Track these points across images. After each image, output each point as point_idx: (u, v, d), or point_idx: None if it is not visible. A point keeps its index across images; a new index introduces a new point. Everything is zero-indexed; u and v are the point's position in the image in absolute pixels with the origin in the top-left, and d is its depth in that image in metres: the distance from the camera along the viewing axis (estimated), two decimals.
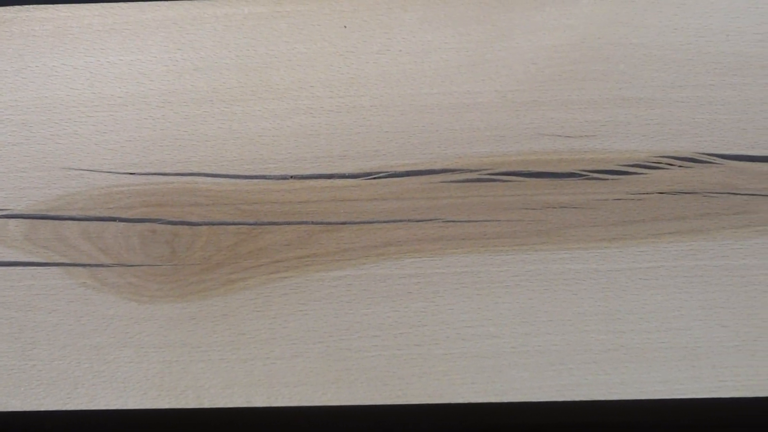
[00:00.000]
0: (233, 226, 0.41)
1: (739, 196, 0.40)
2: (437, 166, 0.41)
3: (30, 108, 0.41)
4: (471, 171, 0.41)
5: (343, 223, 0.41)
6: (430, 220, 0.41)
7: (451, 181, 0.41)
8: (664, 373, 0.40)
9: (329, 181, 0.41)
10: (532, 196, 0.41)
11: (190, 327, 0.40)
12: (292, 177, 0.41)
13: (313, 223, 0.41)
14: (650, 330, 0.40)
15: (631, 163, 0.41)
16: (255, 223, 0.41)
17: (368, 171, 0.41)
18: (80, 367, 0.41)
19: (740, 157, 0.40)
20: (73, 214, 0.41)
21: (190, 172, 0.41)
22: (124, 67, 0.41)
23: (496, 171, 0.41)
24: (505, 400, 0.39)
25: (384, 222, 0.41)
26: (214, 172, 0.41)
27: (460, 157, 0.41)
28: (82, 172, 0.41)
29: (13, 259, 0.41)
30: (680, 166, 0.40)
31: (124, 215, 0.41)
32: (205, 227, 0.41)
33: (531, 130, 0.41)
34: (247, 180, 0.41)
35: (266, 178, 0.41)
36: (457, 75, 0.41)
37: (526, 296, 0.40)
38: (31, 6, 0.42)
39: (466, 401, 0.40)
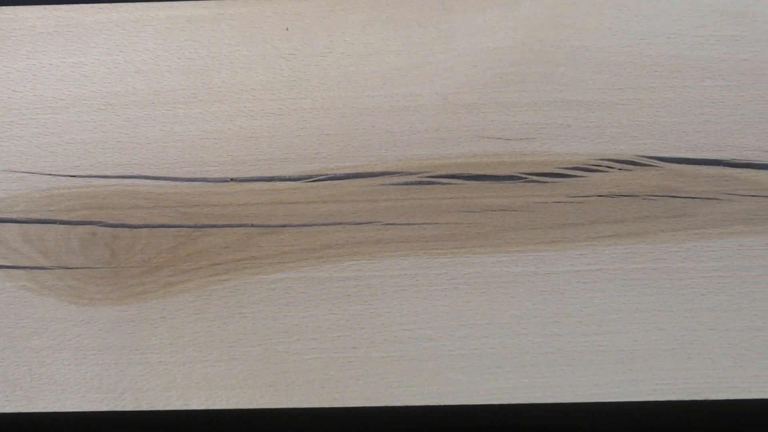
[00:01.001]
0: (173, 229, 0.42)
1: (677, 199, 0.41)
2: (377, 169, 0.42)
3: None
4: (411, 174, 0.42)
5: (283, 226, 0.42)
6: (370, 222, 0.42)
7: (391, 184, 0.42)
8: (601, 376, 0.41)
9: (269, 183, 0.42)
10: (471, 199, 0.42)
11: (128, 329, 0.42)
12: (232, 179, 0.42)
13: (252, 225, 0.42)
14: (588, 333, 0.41)
15: (571, 166, 0.42)
16: (195, 226, 0.42)
17: (308, 174, 0.42)
18: (19, 370, 0.42)
19: (680, 160, 0.41)
20: (14, 216, 0.42)
21: (131, 174, 0.42)
22: (66, 70, 0.42)
23: (436, 174, 0.42)
24: (442, 403, 0.41)
25: (323, 225, 0.42)
26: (154, 175, 0.42)
27: (400, 160, 0.42)
28: (23, 174, 0.42)
29: None
30: (620, 169, 0.41)
31: (64, 218, 0.42)
32: (145, 230, 0.42)
33: (471, 133, 0.42)
34: (187, 182, 0.42)
35: (207, 181, 0.42)
36: (399, 77, 0.42)
37: (463, 299, 0.41)
38: None
39: (402, 404, 0.41)
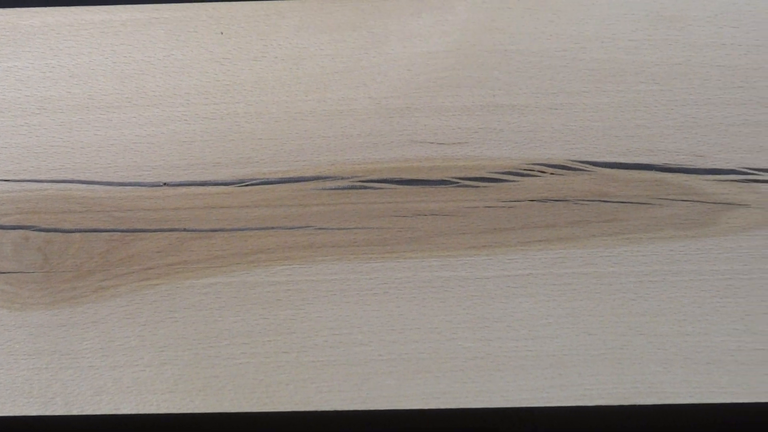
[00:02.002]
0: (106, 233, 0.43)
1: (609, 203, 0.42)
2: (309, 174, 0.43)
3: None
4: (343, 178, 0.43)
5: (215, 231, 0.43)
6: (302, 227, 0.43)
7: (323, 189, 0.43)
8: (530, 381, 0.42)
9: (202, 188, 0.43)
10: (403, 203, 0.43)
11: (60, 334, 0.43)
12: (165, 184, 0.43)
13: (185, 230, 0.43)
14: (517, 338, 0.42)
15: (503, 171, 0.43)
16: (127, 230, 0.43)
17: (241, 178, 0.43)
18: None
19: (611, 165, 0.43)
20: None
21: (65, 179, 0.43)
22: (0, 73, 0.44)
23: (368, 178, 0.43)
24: (372, 408, 0.42)
25: (255, 229, 0.43)
26: (88, 179, 0.43)
27: (333, 164, 0.43)
28: None
29: None
30: (552, 174, 0.43)
31: None
32: (78, 234, 0.43)
33: (404, 137, 0.43)
34: (120, 187, 0.43)
35: (140, 185, 0.43)
36: (332, 81, 0.43)
37: (394, 304, 0.42)
38: None
39: (332, 409, 0.42)
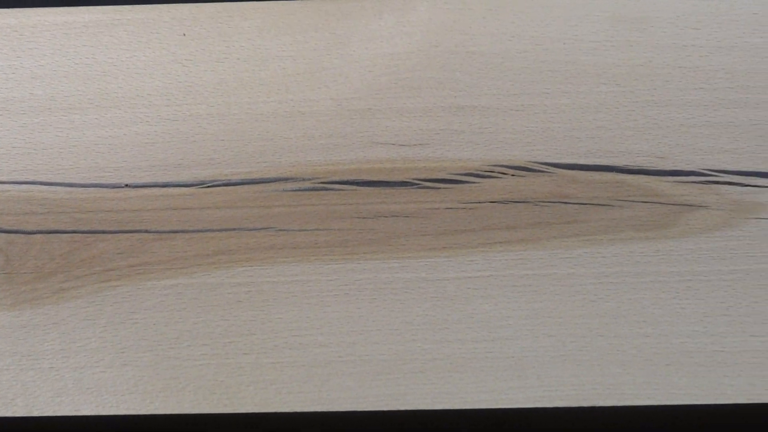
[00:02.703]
0: (67, 235, 0.44)
1: (570, 205, 0.43)
2: (271, 175, 0.44)
3: None
4: (304, 180, 0.44)
5: (176, 232, 0.44)
6: (263, 228, 0.44)
7: (284, 190, 0.44)
8: (489, 383, 0.43)
9: (163, 189, 0.44)
10: (364, 205, 0.44)
11: (21, 335, 0.44)
12: (127, 185, 0.44)
13: (146, 231, 0.44)
14: (477, 339, 0.43)
15: (464, 172, 0.44)
16: (89, 232, 0.44)
17: (203, 179, 0.44)
18: None
19: (572, 166, 0.43)
20: None
21: (26, 180, 0.44)
22: None
23: (329, 180, 0.44)
24: (332, 409, 0.43)
25: (217, 231, 0.44)
26: (50, 181, 0.44)
27: (294, 166, 0.44)
28: None
29: None
30: (513, 175, 0.43)
31: None
32: (39, 235, 0.44)
33: (365, 139, 0.44)
34: (82, 188, 0.44)
35: (102, 187, 0.44)
36: (294, 83, 0.44)
37: (354, 305, 0.43)
38: None
39: (293, 410, 0.43)
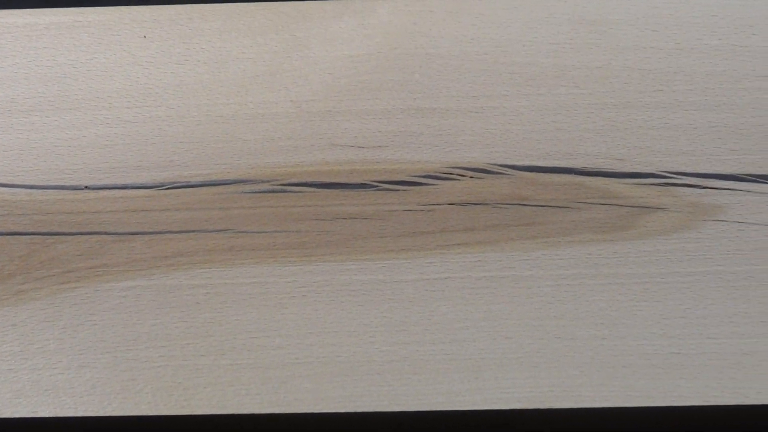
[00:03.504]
0: (26, 236, 0.45)
1: (528, 207, 0.44)
2: (230, 177, 0.45)
3: None
4: (263, 182, 0.45)
5: (135, 234, 0.45)
6: (222, 230, 0.45)
7: (243, 192, 0.45)
8: (447, 385, 0.44)
9: (123, 191, 0.45)
10: (322, 207, 0.45)
11: None
12: (86, 187, 0.45)
13: (105, 233, 0.45)
14: (435, 341, 0.44)
15: (423, 174, 0.45)
16: (48, 233, 0.45)
17: (162, 181, 0.45)
18: None
19: (531, 168, 0.44)
20: None
21: None
22: None
23: (288, 182, 0.45)
24: (289, 411, 0.44)
25: (176, 232, 0.45)
26: (9, 182, 0.45)
27: (253, 168, 0.45)
28: None
29: None
30: (471, 177, 0.44)
31: None
32: None
33: (324, 141, 0.45)
34: (42, 190, 0.45)
35: (61, 189, 0.45)
36: (254, 85, 0.45)
37: (312, 307, 0.44)
38: None
39: (250, 412, 0.44)
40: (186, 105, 0.45)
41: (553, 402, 0.44)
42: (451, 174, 0.44)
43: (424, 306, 0.44)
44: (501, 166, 0.44)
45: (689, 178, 0.44)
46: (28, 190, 0.45)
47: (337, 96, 0.45)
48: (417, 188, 0.44)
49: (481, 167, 0.44)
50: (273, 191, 0.45)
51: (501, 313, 0.44)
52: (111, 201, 0.45)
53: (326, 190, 0.45)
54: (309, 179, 0.45)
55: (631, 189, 0.44)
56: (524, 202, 0.44)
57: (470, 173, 0.44)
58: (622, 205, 0.44)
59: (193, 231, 0.45)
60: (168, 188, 0.45)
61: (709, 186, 0.44)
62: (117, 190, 0.45)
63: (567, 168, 0.44)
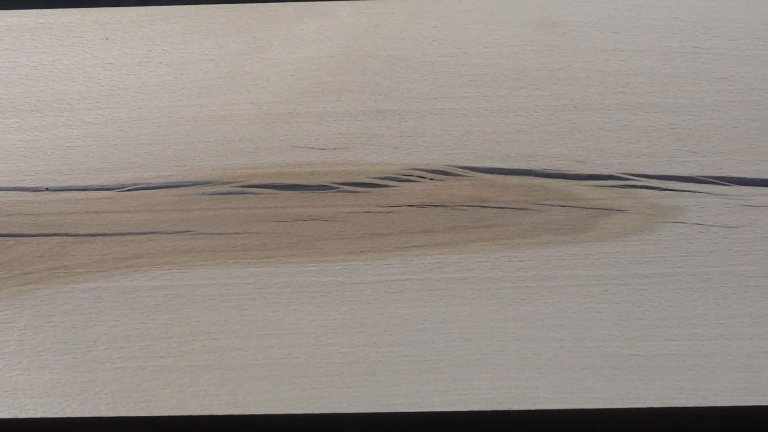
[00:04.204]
0: None
1: (488, 209, 0.45)
2: (191, 179, 0.46)
3: None
4: (223, 183, 0.46)
5: (96, 235, 0.46)
6: (182, 232, 0.46)
7: (203, 194, 0.46)
8: (405, 387, 0.45)
9: (84, 193, 0.46)
10: (282, 208, 0.46)
11: None
12: (47, 189, 0.46)
13: (66, 234, 0.46)
14: (393, 343, 0.45)
15: (383, 176, 0.46)
16: (8, 235, 0.46)
17: (123, 183, 0.46)
18: None
19: (491, 170, 0.46)
20: None
21: None
22: None
23: (249, 183, 0.46)
24: (247, 413, 0.45)
25: (136, 234, 0.46)
26: None
27: (214, 170, 0.46)
28: None
29: None
30: (431, 179, 0.46)
31: None
32: None
33: (285, 143, 0.46)
34: (3, 192, 0.46)
35: (22, 190, 0.46)
36: (215, 87, 0.46)
37: (271, 309, 0.45)
38: None
39: (209, 413, 0.45)
40: (147, 107, 0.46)
41: (511, 404, 0.45)
42: (411, 176, 0.45)
43: (383, 307, 0.45)
44: (461, 168, 0.45)
45: (649, 179, 0.45)
46: None
47: (298, 98, 0.46)
48: (377, 190, 0.45)
49: (441, 169, 0.45)
50: (233, 193, 0.46)
51: (460, 314, 0.45)
52: (72, 203, 0.46)
53: (286, 191, 0.46)
54: (269, 181, 0.46)
55: (591, 191, 0.45)
56: (484, 204, 0.45)
57: (430, 175, 0.45)
58: (581, 207, 0.45)
59: (153, 232, 0.46)
60: (129, 190, 0.46)
61: (669, 188, 0.45)
62: (78, 192, 0.46)
63: (527, 170, 0.45)
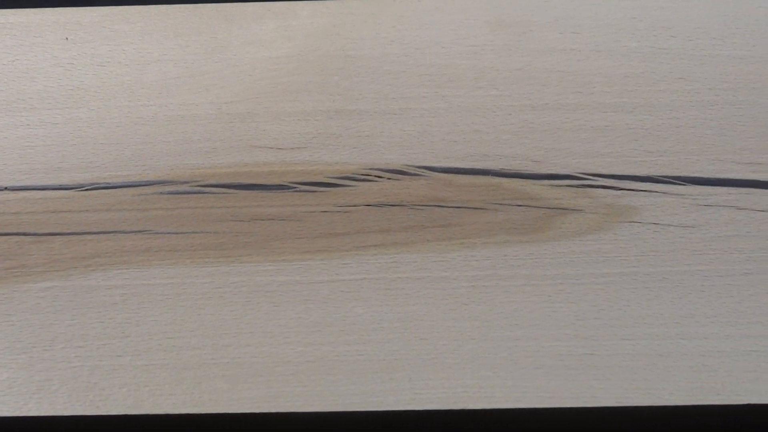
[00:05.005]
0: None
1: (444, 208, 0.47)
2: (149, 178, 0.47)
3: None
4: (182, 183, 0.47)
5: (54, 234, 0.47)
6: (140, 231, 0.47)
7: (161, 193, 0.47)
8: (361, 386, 0.46)
9: (42, 192, 0.48)
10: (240, 208, 0.47)
11: None
12: (6, 188, 0.47)
13: (24, 234, 0.47)
14: (349, 342, 0.46)
15: (340, 176, 0.47)
16: None
17: (82, 183, 0.47)
18: None
19: (448, 170, 0.47)
20: None
21: None
22: None
23: (207, 183, 0.47)
24: (204, 411, 0.46)
25: (94, 233, 0.47)
26: None
27: (172, 169, 0.47)
28: None
29: None
30: (388, 179, 0.47)
31: None
32: None
33: (243, 142, 0.47)
34: None
35: None
36: (175, 87, 0.48)
37: (228, 308, 0.47)
38: None
39: (164, 412, 0.46)
40: (107, 107, 0.48)
41: (466, 402, 0.46)
42: (368, 175, 0.47)
43: (339, 307, 0.46)
44: (418, 167, 0.47)
45: (605, 179, 0.47)
46: None
47: (256, 98, 0.47)
48: (334, 189, 0.47)
49: (398, 169, 0.47)
50: (191, 192, 0.47)
51: (415, 314, 0.46)
52: (30, 202, 0.47)
53: (244, 191, 0.47)
54: (227, 181, 0.47)
55: (548, 190, 0.47)
56: (441, 204, 0.46)
57: (388, 175, 0.47)
58: (538, 207, 0.46)
59: (111, 232, 0.47)
60: (87, 189, 0.47)
61: (625, 187, 0.47)
62: (37, 191, 0.47)
63: (484, 169, 0.47)
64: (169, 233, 0.47)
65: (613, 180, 0.46)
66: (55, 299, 0.47)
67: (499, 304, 0.46)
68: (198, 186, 0.47)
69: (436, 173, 0.46)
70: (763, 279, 0.46)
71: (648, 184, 0.46)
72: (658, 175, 0.46)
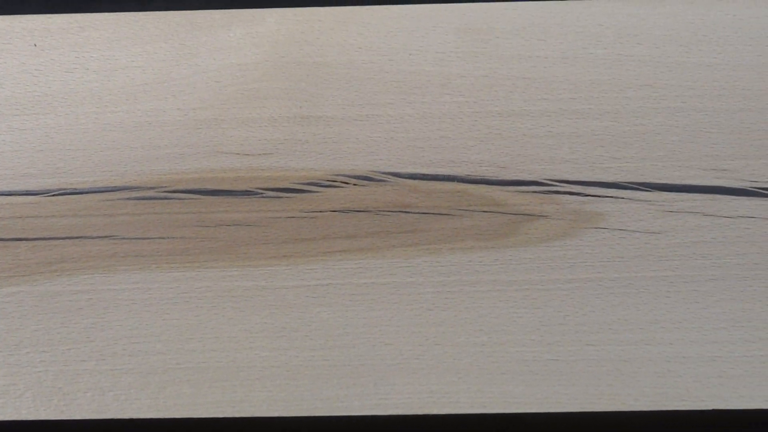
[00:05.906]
0: None
1: (410, 214, 0.48)
2: (116, 184, 0.49)
3: None
4: (148, 188, 0.49)
5: (20, 240, 0.49)
6: (106, 237, 0.49)
7: (128, 198, 0.49)
8: (326, 391, 0.48)
9: (9, 198, 0.49)
10: (206, 213, 0.49)
11: None
12: None
13: None
14: (314, 347, 0.48)
15: (307, 182, 0.49)
16: None
17: (49, 188, 0.49)
18: None
19: (414, 176, 0.49)
20: None
21: None
22: None
23: (173, 188, 0.49)
24: (168, 416, 0.47)
25: (61, 239, 0.49)
26: None
27: (140, 175, 0.49)
28: None
29: None
30: (355, 185, 0.49)
31: None
32: None
33: (210, 148, 0.49)
34: None
35: None
36: (142, 93, 0.50)
37: (194, 313, 0.48)
38: None
39: (129, 417, 0.48)
40: (75, 113, 0.49)
41: (431, 408, 0.47)
42: (334, 181, 0.49)
43: (305, 312, 0.48)
44: (384, 173, 0.48)
45: (571, 185, 0.48)
46: None
47: (223, 104, 0.49)
48: (301, 195, 0.48)
49: (364, 174, 0.48)
50: (158, 198, 0.49)
51: (381, 319, 0.48)
52: None
53: (211, 197, 0.49)
54: (194, 186, 0.49)
55: (514, 196, 0.48)
56: (407, 210, 0.48)
57: (354, 181, 0.48)
58: (504, 213, 0.48)
59: (78, 237, 0.49)
60: (54, 195, 0.49)
61: (591, 194, 0.48)
62: (3, 197, 0.49)
63: (450, 176, 0.48)
64: (135, 239, 0.48)
65: (579, 186, 0.48)
66: (21, 304, 0.48)
67: (465, 309, 0.48)
68: (165, 192, 0.48)
69: (402, 179, 0.48)
70: (728, 285, 0.47)
71: (614, 190, 0.48)
72: (624, 181, 0.48)
